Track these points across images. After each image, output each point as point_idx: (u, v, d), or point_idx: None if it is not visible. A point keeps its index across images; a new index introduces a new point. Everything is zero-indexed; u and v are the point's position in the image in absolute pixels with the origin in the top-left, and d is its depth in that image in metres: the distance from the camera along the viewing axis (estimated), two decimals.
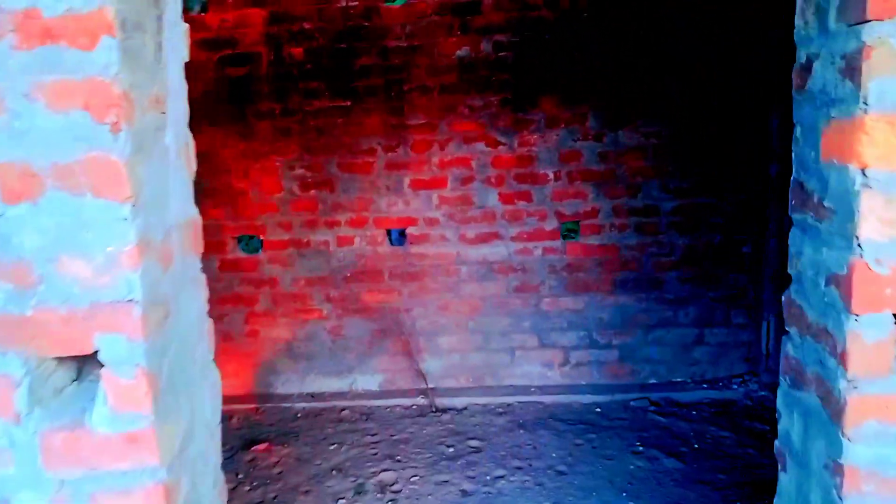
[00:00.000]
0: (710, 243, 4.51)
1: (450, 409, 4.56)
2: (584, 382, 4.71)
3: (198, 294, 1.58)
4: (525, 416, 4.44)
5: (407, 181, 4.55)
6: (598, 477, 3.73)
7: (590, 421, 4.32)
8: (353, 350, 4.77)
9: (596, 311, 4.65)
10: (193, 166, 1.58)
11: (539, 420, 4.36)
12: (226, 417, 4.61)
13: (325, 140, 4.52)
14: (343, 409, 4.63)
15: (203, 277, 1.65)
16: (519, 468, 3.83)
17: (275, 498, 3.67)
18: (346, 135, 4.50)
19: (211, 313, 4.53)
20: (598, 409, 4.47)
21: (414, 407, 4.61)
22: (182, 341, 1.51)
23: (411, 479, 3.77)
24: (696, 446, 3.99)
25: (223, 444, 4.35)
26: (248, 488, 3.76)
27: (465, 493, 3.63)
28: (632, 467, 3.80)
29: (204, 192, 4.42)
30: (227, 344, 4.77)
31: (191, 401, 1.53)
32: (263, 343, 4.78)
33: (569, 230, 4.60)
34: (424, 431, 4.28)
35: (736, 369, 4.65)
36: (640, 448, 3.97)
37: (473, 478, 3.77)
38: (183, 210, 1.52)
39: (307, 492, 3.71)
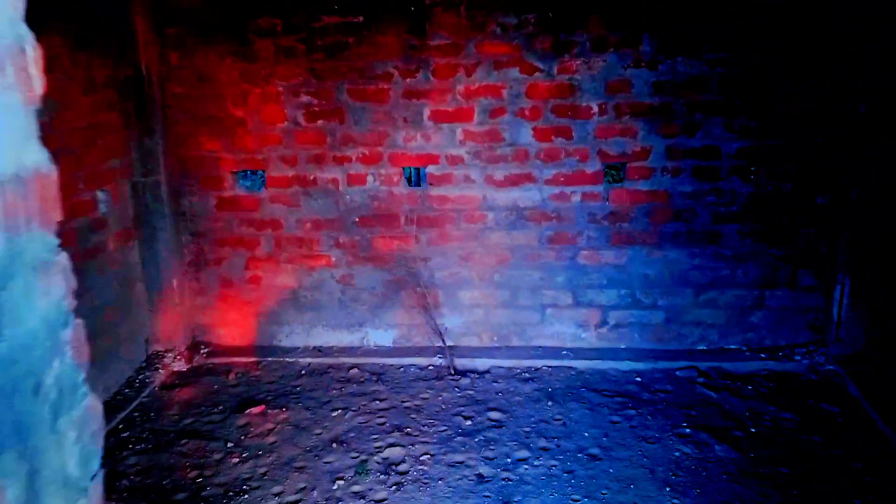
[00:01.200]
0: (779, 192, 3.81)
1: (470, 371, 4.00)
2: (623, 347, 4.10)
3: (48, 288, 0.99)
4: (554, 383, 3.86)
5: (427, 112, 3.89)
6: (637, 465, 3.16)
7: (629, 393, 3.72)
8: (365, 302, 4.21)
9: (640, 267, 4.00)
10: (37, 88, 0.96)
11: (570, 389, 3.78)
12: (222, 372, 4.13)
13: (334, 63, 3.86)
14: (352, 367, 4.10)
15: (62, 262, 1.04)
16: (545, 449, 3.27)
17: (264, 474, 3.18)
18: (359, 57, 3.83)
19: (209, 256, 3.98)
20: (639, 379, 3.87)
21: (430, 368, 4.07)
22: (10, 363, 0.92)
23: (421, 458, 3.24)
24: (752, 430, 3.39)
25: (215, 406, 3.88)
26: (236, 460, 3.28)
27: (481, 478, 3.09)
28: (677, 454, 3.21)
29: (197, 120, 3.82)
30: (226, 290, 4.26)
31: (29, 458, 0.95)
32: (266, 291, 4.24)
33: (613, 173, 3.92)
34: (440, 398, 3.74)
35: (800, 338, 3.99)
36: (687, 430, 3.38)
37: (492, 459, 3.22)
38: (14, 158, 0.91)
39: (301, 468, 3.20)
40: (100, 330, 3.64)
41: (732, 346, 4.07)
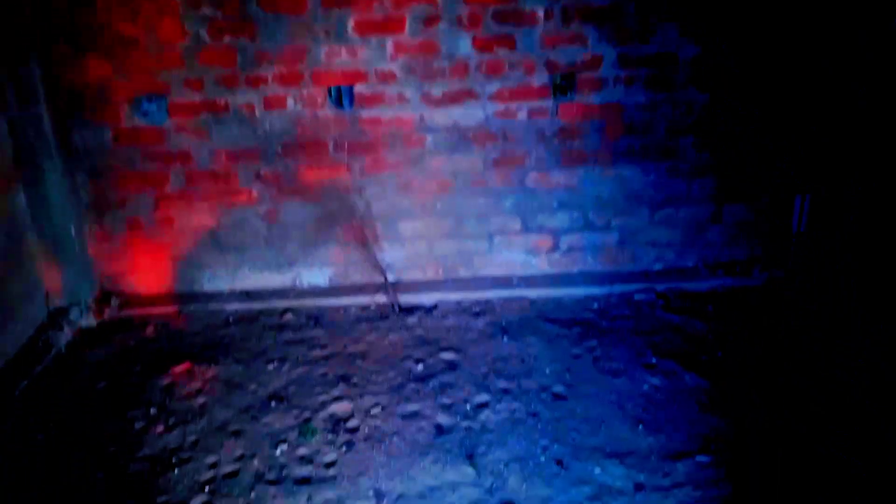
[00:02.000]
0: (737, 101, 3.50)
1: (416, 308, 3.65)
2: (576, 271, 3.83)
3: None
4: (508, 315, 3.56)
5: (351, 23, 3.38)
6: (605, 402, 2.91)
7: (587, 321, 3.46)
8: (294, 239, 3.76)
9: (593, 187, 3.69)
10: None
11: (525, 321, 3.49)
12: (139, 325, 3.64)
13: None
14: (285, 312, 3.69)
15: None
16: (506, 391, 2.99)
17: (195, 443, 2.78)
18: None
19: (111, 197, 3.42)
20: (596, 305, 3.62)
21: (372, 307, 3.69)
22: None
23: (371, 412, 2.90)
24: (718, 354, 3.18)
25: (133, 366, 3.42)
26: (161, 428, 2.86)
27: (440, 429, 2.79)
28: (646, 387, 2.98)
29: (81, 41, 3.19)
30: (134, 234, 3.74)
31: None
32: (181, 232, 3.74)
33: (562, 86, 3.53)
34: (386, 341, 3.39)
35: (758, 252, 3.79)
36: (653, 359, 3.15)
37: (450, 407, 2.92)
38: None
39: (238, 432, 2.83)
40: None
41: (689, 265, 3.85)
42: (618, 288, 3.72)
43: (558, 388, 3.01)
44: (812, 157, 3.56)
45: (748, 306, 3.54)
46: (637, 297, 3.68)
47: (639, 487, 2.50)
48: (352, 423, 2.86)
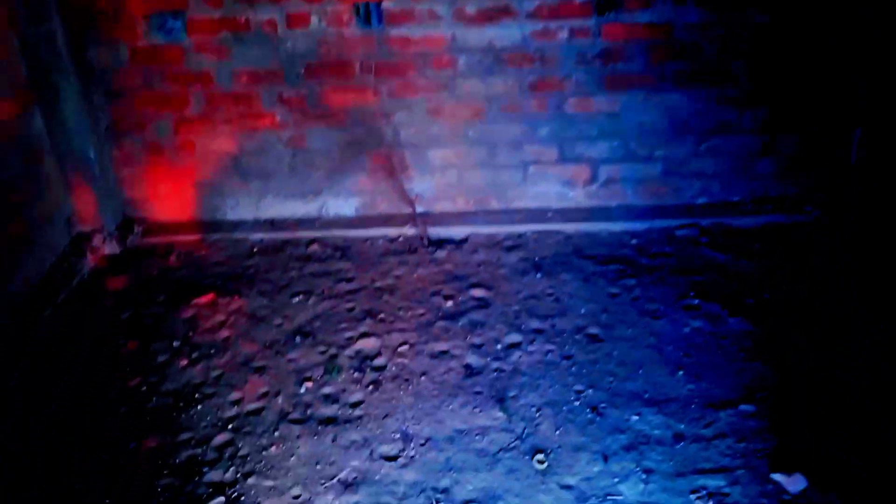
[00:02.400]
0: (798, 23, 3.19)
1: (446, 241, 3.49)
2: (615, 205, 3.62)
3: None
4: (542, 251, 3.38)
5: None
6: (643, 345, 2.76)
7: (625, 258, 3.28)
8: (320, 167, 3.59)
9: (636, 114, 3.44)
10: None
11: (560, 257, 3.32)
12: (162, 253, 3.53)
13: None
14: (311, 242, 3.56)
15: None
16: (538, 331, 2.84)
17: (219, 378, 2.71)
18: None
19: (130, 119, 3.26)
20: (635, 242, 3.42)
21: (401, 239, 3.54)
22: None
23: (399, 350, 2.78)
24: (765, 296, 2.98)
25: (156, 295, 3.33)
26: (185, 362, 2.78)
27: (469, 369, 2.67)
28: (687, 330, 2.81)
29: None
30: (155, 158, 3.60)
31: None
32: (203, 158, 3.59)
33: (606, 3, 3.23)
34: (415, 275, 3.25)
35: (810, 187, 3.54)
36: (696, 300, 2.97)
37: (480, 347, 2.79)
38: None
39: (261, 369, 2.73)
40: (3, 213, 2.99)
41: (736, 199, 3.62)
42: (659, 223, 3.52)
43: (594, 330, 2.86)
44: (873, 87, 3.25)
45: (798, 245, 3.32)
46: (679, 233, 3.47)
47: (678, 437, 2.37)
48: (379, 362, 2.75)
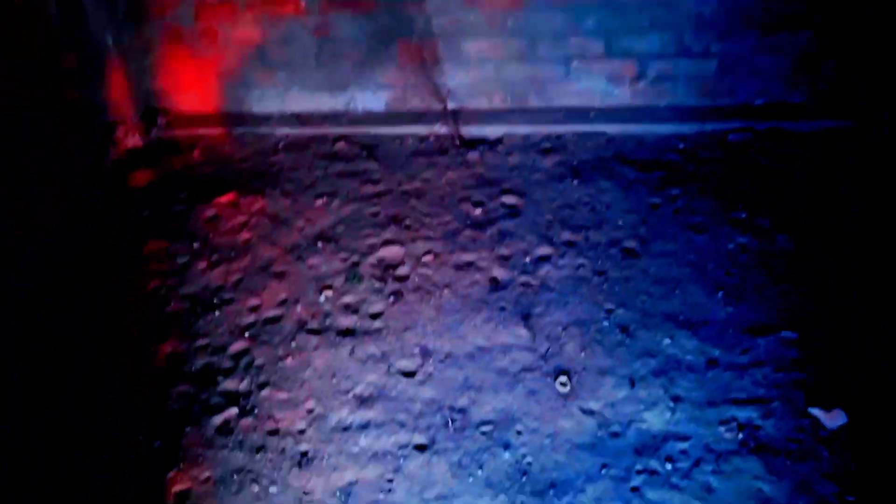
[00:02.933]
0: None
1: (479, 141, 3.28)
2: (663, 104, 3.34)
3: None
4: (581, 154, 3.16)
5: None
6: (682, 262, 2.58)
7: (671, 164, 3.04)
8: (348, 58, 3.36)
9: (693, 3, 3.08)
10: None
11: (600, 162, 3.09)
12: (186, 147, 3.41)
13: None
14: (338, 139, 3.38)
15: None
16: (571, 244, 2.68)
17: (238, 282, 2.63)
18: None
19: (149, 3, 3.05)
20: (682, 146, 3.16)
21: (431, 139, 3.34)
22: None
23: (423, 259, 2.66)
24: (821, 213, 2.73)
25: (178, 192, 3.22)
26: (203, 265, 2.71)
27: (495, 283, 2.54)
28: (731, 247, 2.62)
29: None
30: (176, 46, 3.41)
31: None
32: (225, 46, 3.39)
33: None
34: (444, 179, 3.07)
35: (881, 92, 3.18)
36: (743, 214, 2.75)
37: (507, 259, 2.64)
38: None
39: (281, 275, 2.65)
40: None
41: (798, 101, 3.28)
42: (710, 126, 3.23)
43: (630, 244, 2.67)
44: None
45: (864, 156, 3.02)
46: (732, 137, 3.19)
47: (711, 364, 2.23)
48: (401, 271, 2.63)
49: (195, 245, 2.83)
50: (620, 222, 2.78)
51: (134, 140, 3.46)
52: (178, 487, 2.04)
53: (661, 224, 2.76)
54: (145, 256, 2.78)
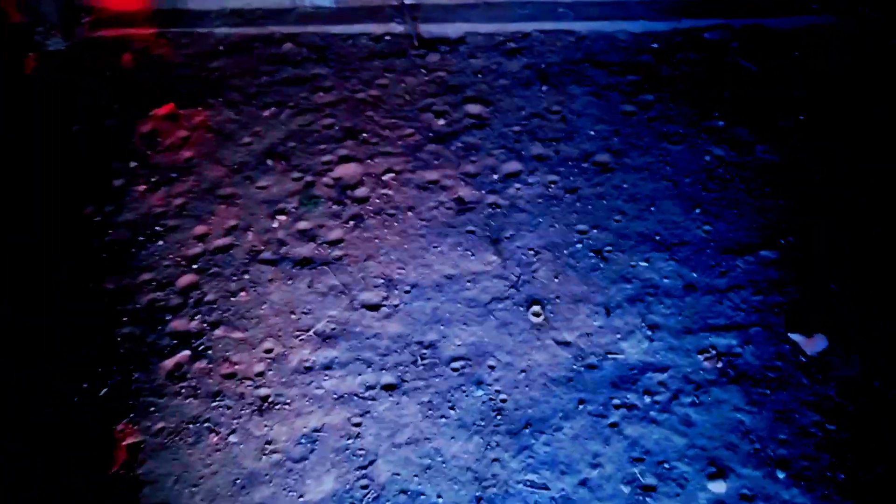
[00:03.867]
0: None
1: (439, 41, 2.96)
2: (636, 0, 3.03)
3: None
4: (549, 56, 2.87)
5: None
6: (657, 175, 2.39)
7: (644, 67, 2.79)
8: None
9: None
10: None
11: (570, 65, 2.82)
12: (114, 49, 2.96)
13: None
14: (284, 40, 3.03)
15: None
16: (541, 158, 2.46)
17: (182, 207, 2.37)
18: None
19: None
20: (656, 46, 2.90)
21: (387, 38, 3.01)
22: None
23: (383, 178, 2.42)
24: (801, 118, 2.56)
25: (109, 103, 2.85)
26: (143, 187, 2.43)
27: (461, 204, 2.33)
28: (707, 158, 2.43)
29: None
30: None
31: None
32: None
33: None
34: (402, 85, 2.77)
35: None
36: (721, 122, 2.55)
37: (474, 177, 2.42)
38: None
39: (229, 198, 2.38)
40: None
41: None
42: (686, 23, 2.97)
43: (603, 157, 2.46)
44: None
45: (847, 53, 2.81)
46: (708, 36, 2.93)
47: (689, 288, 2.09)
48: (360, 192, 2.39)
49: (132, 164, 2.52)
50: (592, 133, 2.56)
51: (56, 43, 3.04)
52: (129, 440, 1.86)
53: (635, 134, 2.54)
54: (76, 179, 2.47)
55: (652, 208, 2.30)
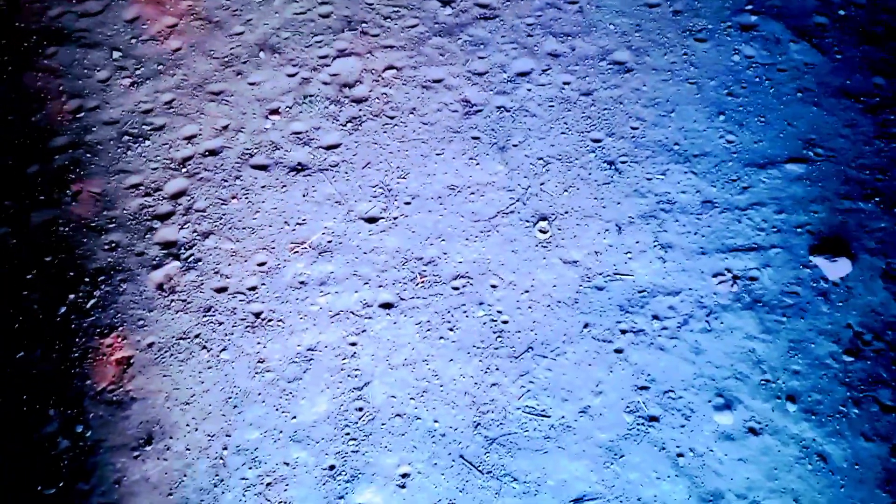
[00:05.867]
0: None
1: None
2: None
3: None
4: None
5: None
6: (679, 76, 2.11)
7: None
8: None
9: None
10: None
11: None
12: None
13: None
14: None
15: None
16: (555, 56, 2.17)
17: (170, 104, 2.12)
18: None
19: None
20: None
21: None
22: None
23: (384, 76, 2.15)
24: (840, 13, 2.24)
25: None
26: (128, 82, 2.17)
27: (467, 105, 2.07)
28: (736, 59, 2.14)
29: None
30: None
31: None
32: None
33: None
34: None
35: None
36: (753, 17, 2.23)
37: (482, 75, 2.14)
38: None
39: (219, 95, 2.14)
40: None
41: None
42: None
43: (622, 55, 2.16)
44: None
45: None
46: None
47: (707, 204, 1.87)
48: (359, 91, 2.12)
49: (116, 56, 2.24)
50: (611, 27, 2.24)
51: None
52: (119, 355, 1.72)
53: (658, 30, 2.23)
54: (56, 71, 2.20)
55: (672, 114, 2.03)
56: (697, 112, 2.03)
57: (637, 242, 1.82)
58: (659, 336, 1.71)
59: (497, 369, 1.66)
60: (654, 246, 1.81)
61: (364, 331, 1.74)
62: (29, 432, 1.60)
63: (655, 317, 1.73)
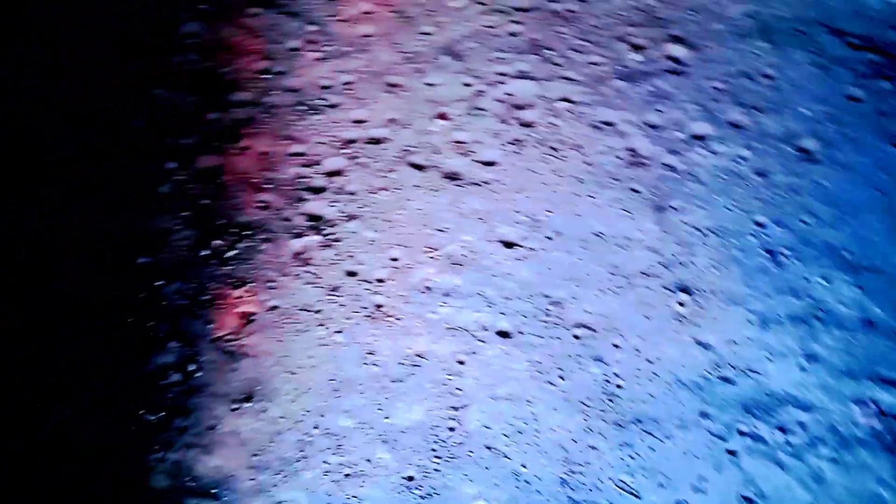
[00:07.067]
0: None
1: None
2: None
3: None
4: (779, 9, 2.37)
5: None
6: (868, 182, 1.97)
7: (891, 48, 2.21)
8: None
9: None
10: None
11: (799, 25, 2.29)
12: None
13: None
14: None
15: None
16: (736, 126, 2.07)
17: (347, 85, 2.18)
18: None
19: None
20: None
21: None
22: None
23: (556, 106, 2.11)
24: None
25: None
26: (315, 56, 2.25)
27: (634, 155, 2.04)
28: None
29: None
30: None
31: None
32: None
33: None
34: (604, 4, 2.36)
35: None
36: None
37: (656, 129, 2.09)
38: None
39: (395, 87, 2.16)
40: None
41: None
42: None
43: (809, 143, 1.98)
44: None
45: None
46: None
47: (866, 325, 1.68)
48: (528, 116, 2.06)
49: (308, 28, 2.29)
50: (805, 111, 2.06)
51: None
52: (244, 309, 1.74)
53: (855, 125, 2.02)
54: (251, 28, 2.27)
55: (849, 218, 1.84)
56: (879, 223, 1.83)
57: (780, 343, 1.65)
58: (780, 450, 1.54)
59: (599, 433, 1.56)
60: (798, 352, 1.64)
61: (475, 353, 1.68)
62: (147, 359, 1.64)
63: (780, 428, 1.56)
